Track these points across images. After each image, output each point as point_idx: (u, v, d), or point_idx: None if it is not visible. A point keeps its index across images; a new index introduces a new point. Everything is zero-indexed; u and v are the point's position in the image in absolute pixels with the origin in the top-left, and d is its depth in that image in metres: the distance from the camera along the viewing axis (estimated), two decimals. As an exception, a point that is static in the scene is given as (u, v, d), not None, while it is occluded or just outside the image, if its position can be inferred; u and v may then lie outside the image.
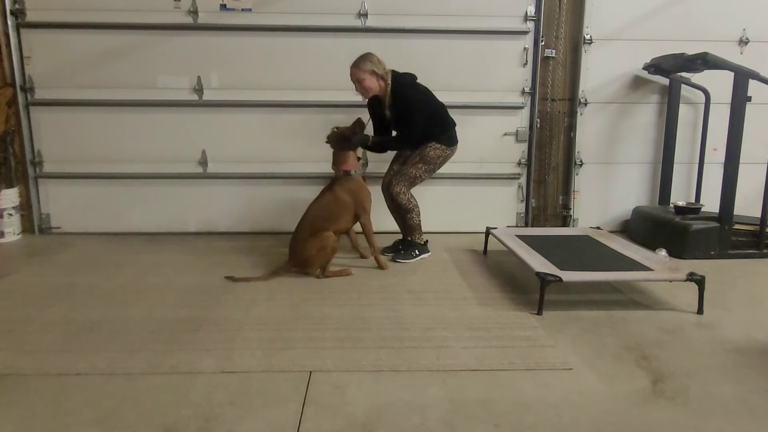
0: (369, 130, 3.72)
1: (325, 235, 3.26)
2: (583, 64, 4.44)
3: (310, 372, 2.17)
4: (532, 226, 4.62)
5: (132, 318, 2.69)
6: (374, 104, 3.72)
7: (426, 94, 3.68)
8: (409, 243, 3.81)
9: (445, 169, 4.49)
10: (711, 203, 4.11)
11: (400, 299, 2.98)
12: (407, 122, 3.61)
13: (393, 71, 3.60)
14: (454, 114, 4.47)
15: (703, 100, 4.40)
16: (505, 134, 4.53)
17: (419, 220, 3.78)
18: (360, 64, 3.51)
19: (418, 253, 3.77)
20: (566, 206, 4.68)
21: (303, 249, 3.27)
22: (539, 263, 3.03)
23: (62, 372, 2.16)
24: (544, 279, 2.78)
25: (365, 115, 3.76)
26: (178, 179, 4.45)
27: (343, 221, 3.40)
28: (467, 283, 3.26)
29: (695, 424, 1.85)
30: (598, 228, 4.05)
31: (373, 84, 3.54)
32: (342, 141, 3.49)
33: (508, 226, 4.41)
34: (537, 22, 4.35)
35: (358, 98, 4.38)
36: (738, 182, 3.78)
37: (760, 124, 4.42)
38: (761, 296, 3.14)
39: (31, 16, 4.16)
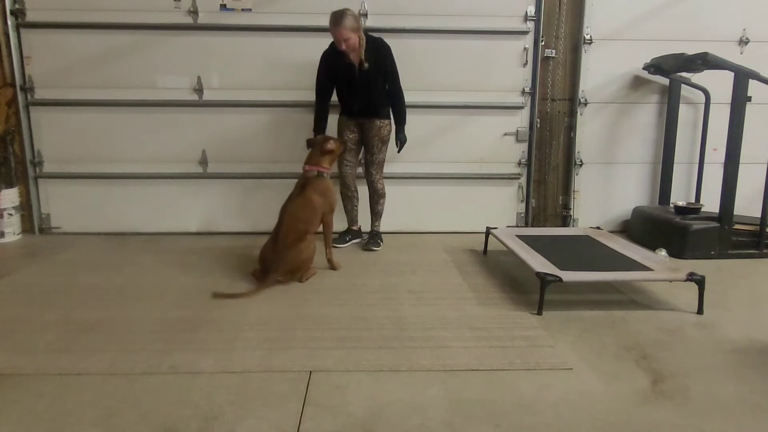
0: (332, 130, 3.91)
1: (310, 239, 3.23)
2: (583, 64, 4.44)
3: (310, 372, 2.17)
4: (532, 226, 4.62)
5: (132, 318, 2.69)
6: (334, 60, 3.74)
7: None
8: (374, 233, 4.04)
9: (445, 169, 4.52)
10: (711, 203, 4.11)
11: (400, 299, 2.98)
12: (393, 82, 3.81)
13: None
14: (454, 114, 4.49)
15: (703, 100, 4.40)
16: (505, 134, 4.53)
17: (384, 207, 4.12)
18: (346, 23, 3.50)
19: (381, 241, 4.02)
20: (566, 206, 4.68)
21: (295, 254, 3.14)
22: (539, 263, 3.03)
23: (62, 372, 2.16)
24: (544, 279, 2.78)
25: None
26: (178, 179, 4.45)
27: (317, 223, 3.34)
28: (467, 283, 3.26)
29: (695, 424, 1.85)
30: (598, 228, 4.05)
31: (356, 41, 3.57)
32: (328, 144, 3.46)
33: (508, 226, 4.41)
34: (537, 22, 4.35)
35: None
36: (738, 182, 3.78)
37: (760, 124, 4.42)
38: (761, 296, 3.14)
39: (31, 16, 4.16)
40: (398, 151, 3.95)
